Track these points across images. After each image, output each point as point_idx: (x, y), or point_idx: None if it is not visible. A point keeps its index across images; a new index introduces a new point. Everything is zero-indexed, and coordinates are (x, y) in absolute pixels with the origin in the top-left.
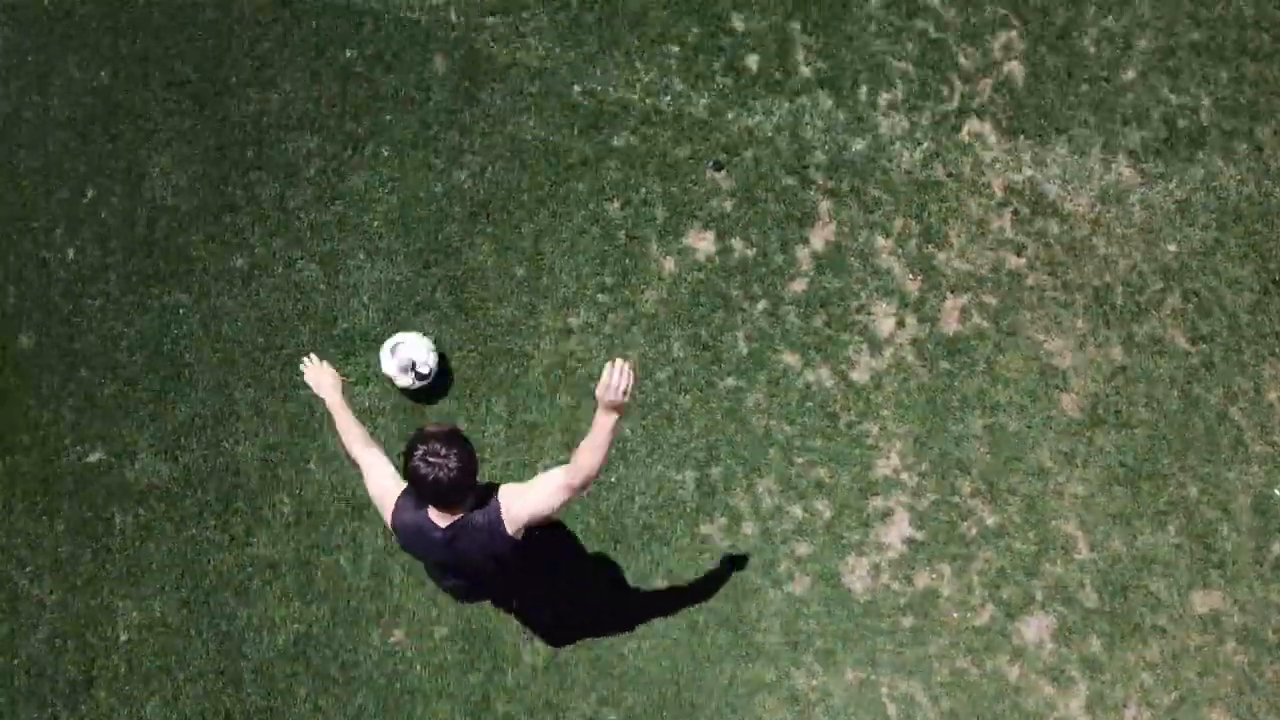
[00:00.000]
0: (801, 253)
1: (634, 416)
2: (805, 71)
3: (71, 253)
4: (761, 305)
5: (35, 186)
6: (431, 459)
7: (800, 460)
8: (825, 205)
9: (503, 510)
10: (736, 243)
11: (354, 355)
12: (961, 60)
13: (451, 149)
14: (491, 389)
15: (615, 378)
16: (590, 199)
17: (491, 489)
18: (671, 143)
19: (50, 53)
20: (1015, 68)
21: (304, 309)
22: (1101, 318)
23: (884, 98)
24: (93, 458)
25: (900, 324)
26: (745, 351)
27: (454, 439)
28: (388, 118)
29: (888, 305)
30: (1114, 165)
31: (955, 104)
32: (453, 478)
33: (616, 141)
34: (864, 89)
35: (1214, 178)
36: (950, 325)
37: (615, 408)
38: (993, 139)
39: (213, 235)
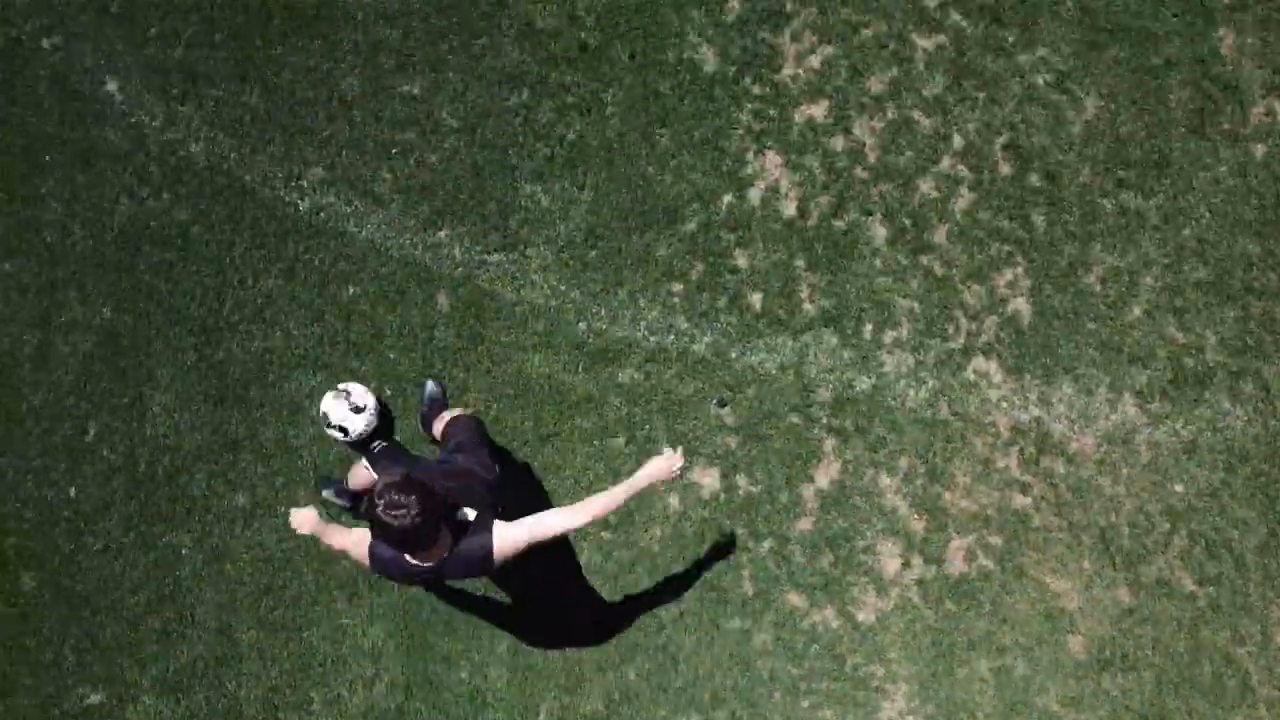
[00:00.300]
0: (807, 491)
1: (636, 659)
2: (809, 309)
3: (73, 491)
4: (767, 544)
5: (37, 424)
6: (393, 511)
7: (806, 703)
8: (830, 443)
9: (495, 550)
10: (741, 480)
11: (358, 595)
12: (967, 298)
13: (456, 386)
14: (492, 637)
15: (676, 463)
16: (595, 435)
17: (480, 523)
18: (676, 380)
19: (52, 289)
20: (1021, 305)
21: (306, 548)
22: (1108, 559)
23: (889, 335)
24: (94, 699)
25: (906, 564)
26: (751, 592)
27: (410, 486)
28: (391, 355)
29: (893, 545)
30: (1120, 405)
31: (961, 342)
32: (417, 524)
33: (621, 378)
34: (869, 326)
35: (1220, 418)
36: (956, 566)
37: (659, 480)
38: (998, 377)
39: (215, 474)
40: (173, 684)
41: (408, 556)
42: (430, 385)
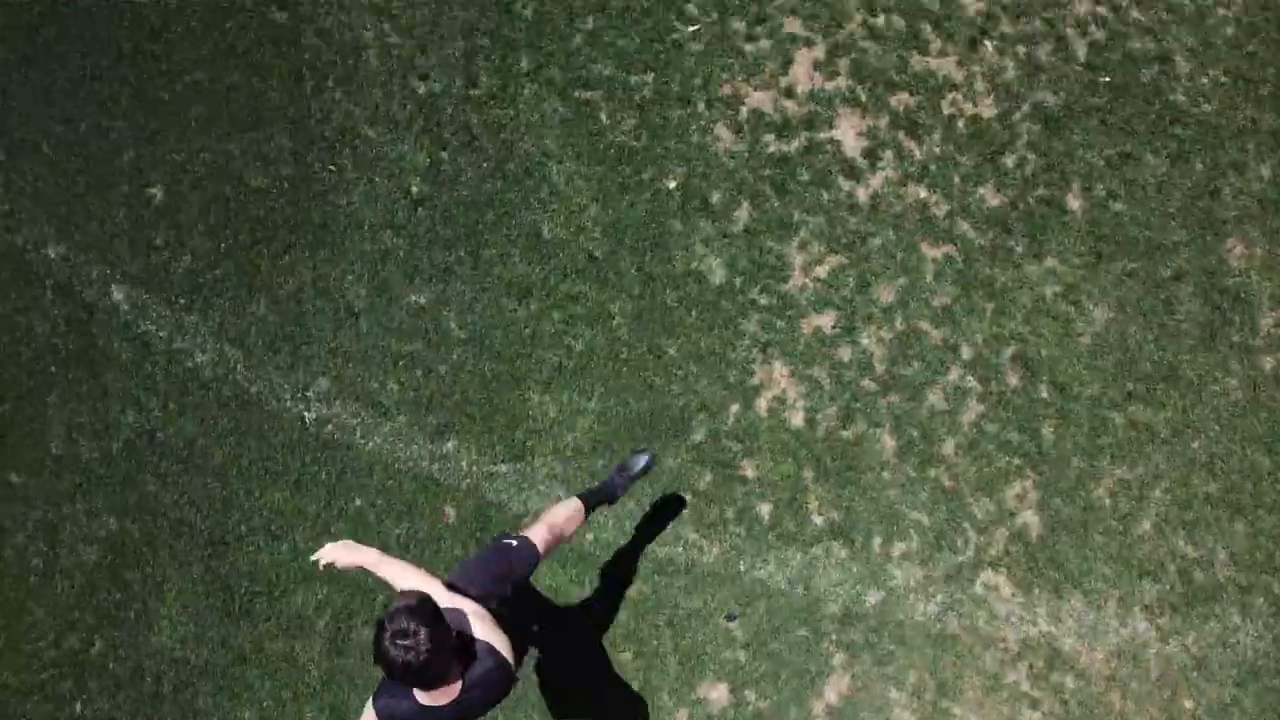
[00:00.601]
0: (817, 706)
1: None
2: (818, 521)
3: (79, 706)
4: None
5: (42, 637)
6: (400, 641)
7: None
8: (840, 658)
9: (507, 652)
10: (750, 695)
11: None
12: (975, 510)
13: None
14: None
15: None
16: (601, 650)
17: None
18: (683, 592)
19: (58, 501)
20: (1030, 518)
21: None
22: None
23: (898, 548)
24: None
25: None
26: None
27: (421, 612)
28: None
29: None
30: (1130, 620)
31: (970, 555)
32: (424, 659)
33: (630, 592)
34: (878, 539)
35: (1231, 634)
36: None
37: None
38: (1008, 591)
39: (221, 688)
40: None
41: (420, 698)
42: (644, 458)
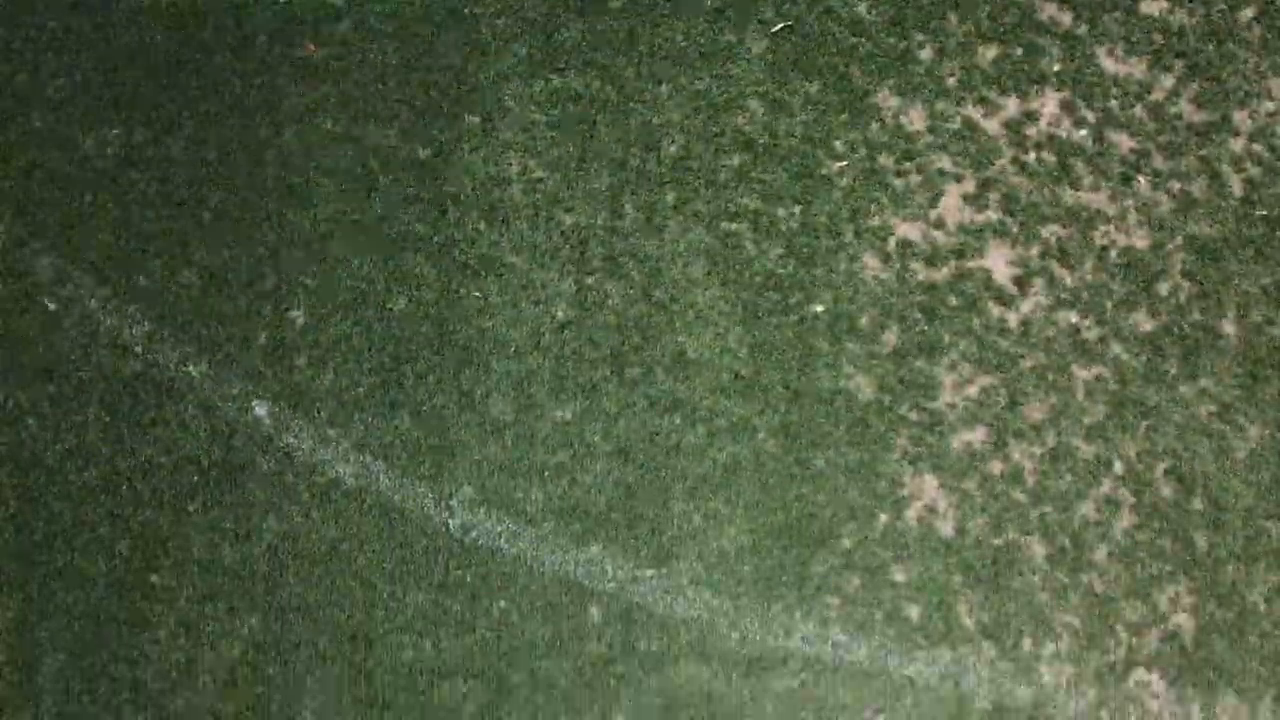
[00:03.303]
0: None
1: None
2: (968, 623)
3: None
4: None
5: None
6: None
7: None
8: None
9: None
10: None
11: None
12: (1128, 613)
13: (605, 695)
14: None
15: None
16: None
17: None
18: (831, 689)
19: (199, 600)
20: (1183, 621)
21: None
22: None
23: (1048, 648)
24: None
25: None
26: None
27: None
28: (542, 664)
29: None
30: None
31: (1122, 654)
32: None
33: (776, 686)
34: (1028, 640)
35: None
36: None
37: None
38: (1160, 688)
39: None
40: None
41: None
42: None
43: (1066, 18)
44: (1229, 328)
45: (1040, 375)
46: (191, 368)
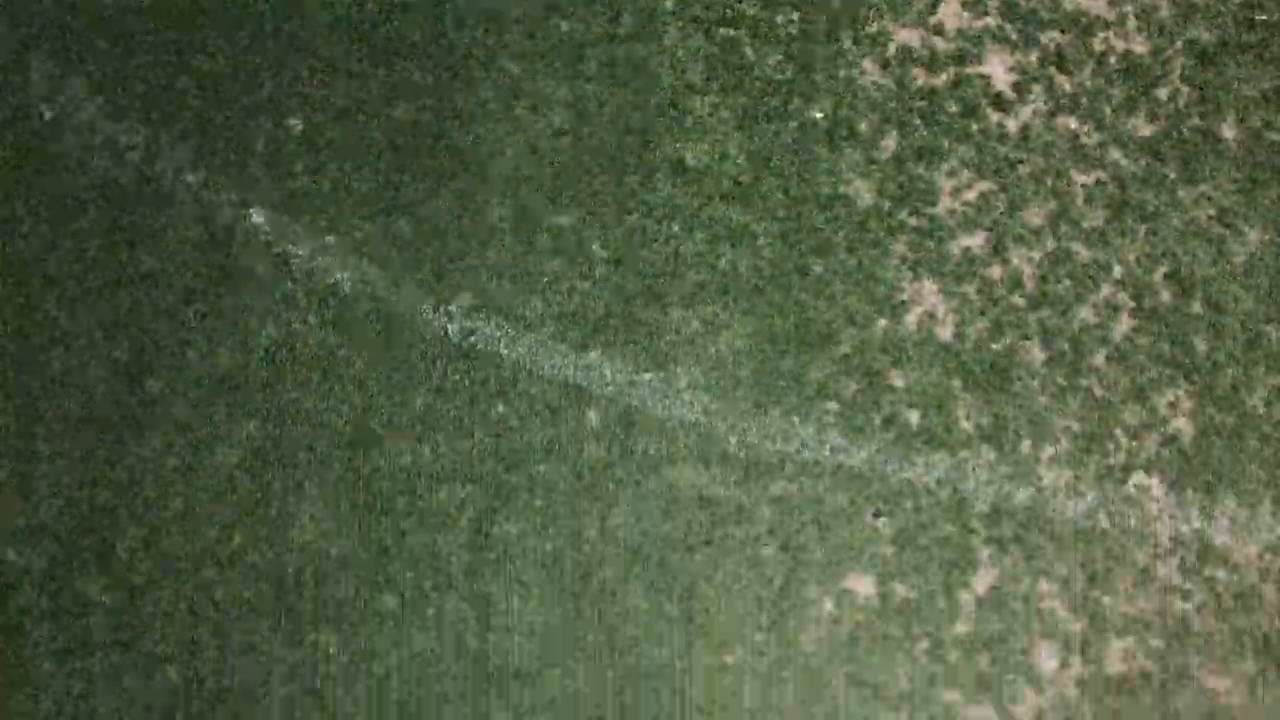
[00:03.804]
0: (964, 596)
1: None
2: (966, 426)
3: (219, 593)
4: (924, 645)
5: (184, 533)
6: None
7: None
8: (987, 552)
9: None
10: (898, 586)
11: (506, 693)
12: (1127, 417)
13: (604, 498)
14: (650, 678)
15: None
16: (746, 544)
17: None
18: (830, 492)
19: (197, 406)
20: (1183, 425)
21: (455, 648)
22: (1272, 662)
23: (1047, 451)
24: None
25: (1064, 664)
26: (907, 689)
27: None
28: (541, 469)
29: (1052, 646)
30: None
31: (1121, 458)
32: None
33: (773, 490)
34: (1027, 443)
35: None
36: (1115, 666)
37: None
38: (1159, 492)
39: (362, 578)
40: None
41: None
42: None
43: None
44: (1228, 132)
45: (1039, 180)
46: (189, 175)
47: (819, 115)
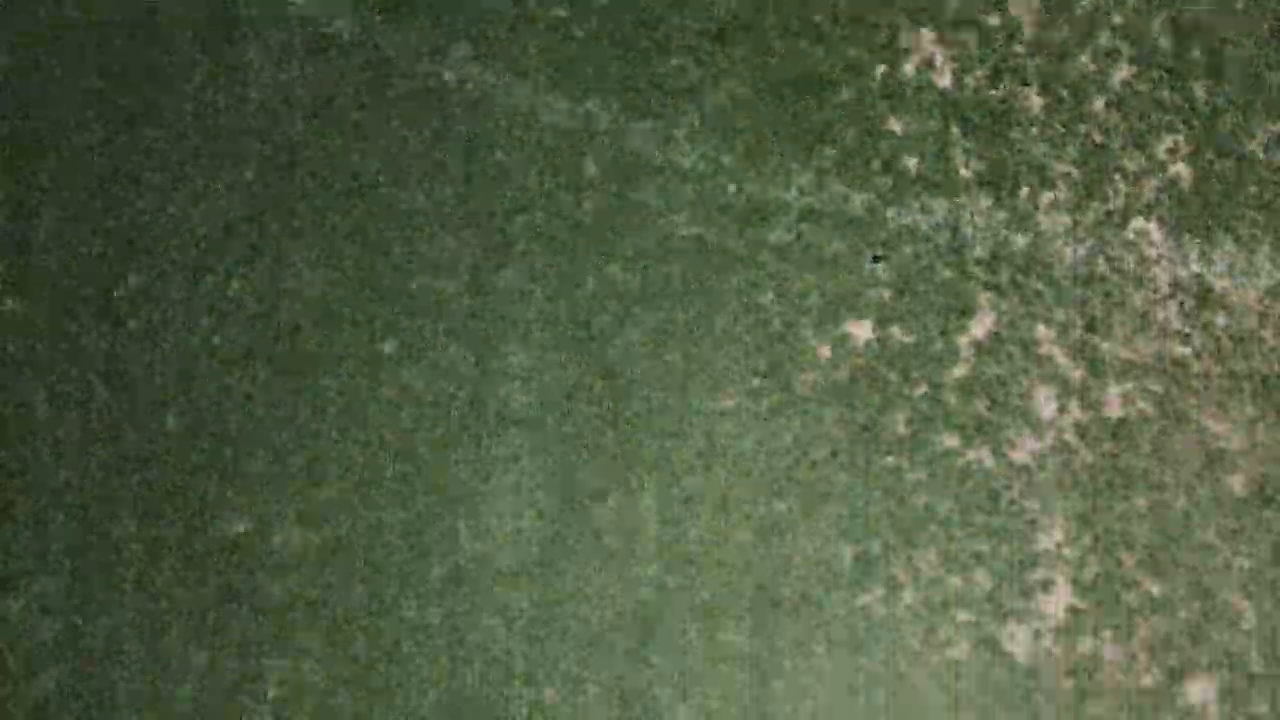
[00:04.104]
0: (962, 340)
1: (790, 494)
2: (965, 173)
3: (216, 339)
4: (922, 389)
5: (182, 281)
6: None
7: (960, 534)
8: (985, 297)
9: None
10: (895, 331)
11: (502, 433)
12: (1126, 163)
13: (603, 247)
14: (644, 468)
15: None
16: (744, 291)
17: None
18: (828, 238)
19: (191, 155)
20: (1181, 170)
21: (453, 391)
22: (1270, 404)
23: (1046, 197)
24: (239, 528)
25: (1062, 409)
26: (905, 433)
27: None
28: (540, 216)
29: (1050, 390)
30: None
31: (1120, 203)
32: None
33: (772, 238)
34: (1025, 189)
35: None
36: (1113, 410)
37: None
38: (1158, 237)
39: (360, 323)
40: (317, 515)
41: None
42: None
43: None
44: None
45: None
46: None
47: None
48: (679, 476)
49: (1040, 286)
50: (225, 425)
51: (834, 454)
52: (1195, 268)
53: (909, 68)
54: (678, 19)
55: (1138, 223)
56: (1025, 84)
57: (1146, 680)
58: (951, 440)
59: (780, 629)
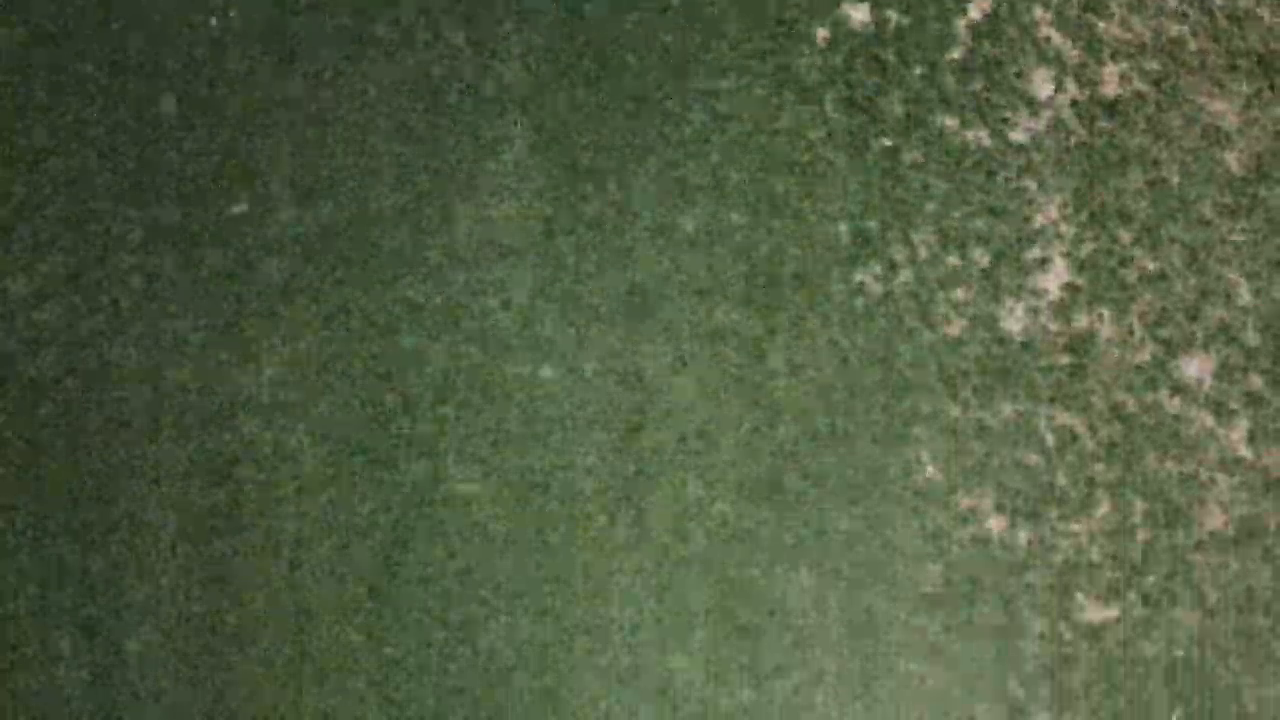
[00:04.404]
0: (959, 22)
1: (785, 173)
2: None
3: (213, 22)
4: (918, 70)
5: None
6: None
7: (957, 214)
8: None
9: None
10: (892, 13)
11: (505, 113)
12: None
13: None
14: (642, 149)
15: None
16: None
17: None
18: None
19: None
20: None
21: (449, 71)
22: (1267, 82)
23: None
24: (237, 210)
25: (1059, 88)
26: (901, 113)
27: None
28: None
29: (1047, 71)
30: None
31: None
32: None
33: None
34: None
35: None
36: (1110, 89)
37: None
38: None
39: (359, 8)
40: (312, 193)
41: None
42: None
43: None
44: None
45: None
46: None
47: None
48: (677, 158)
49: None
50: (221, 107)
51: (830, 135)
52: None
53: None
54: None
55: None
56: None
57: (1143, 355)
58: (950, 121)
59: (776, 307)
